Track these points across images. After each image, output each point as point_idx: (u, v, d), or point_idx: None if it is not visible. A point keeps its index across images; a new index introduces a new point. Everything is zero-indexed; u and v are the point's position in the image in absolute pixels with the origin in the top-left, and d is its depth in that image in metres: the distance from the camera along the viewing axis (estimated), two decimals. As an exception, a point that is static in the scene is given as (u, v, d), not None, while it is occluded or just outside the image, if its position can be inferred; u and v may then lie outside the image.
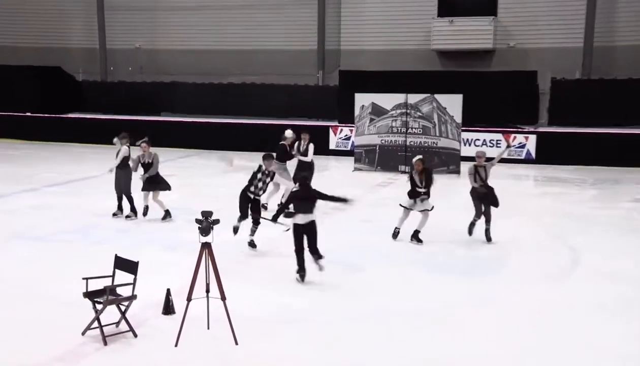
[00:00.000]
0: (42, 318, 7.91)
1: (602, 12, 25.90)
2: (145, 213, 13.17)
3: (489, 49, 27.44)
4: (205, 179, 18.73)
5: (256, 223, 10.87)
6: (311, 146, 14.38)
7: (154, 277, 8.90)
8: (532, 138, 22.57)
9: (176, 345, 7.06)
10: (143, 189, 13.08)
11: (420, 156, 11.94)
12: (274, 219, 9.76)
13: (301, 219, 9.19)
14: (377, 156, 20.74)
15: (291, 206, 9.32)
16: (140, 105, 28.16)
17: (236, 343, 7.11)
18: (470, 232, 11.88)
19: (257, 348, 7.15)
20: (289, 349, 7.21)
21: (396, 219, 11.78)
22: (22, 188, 16.70)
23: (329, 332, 7.68)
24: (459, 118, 19.82)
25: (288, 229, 9.68)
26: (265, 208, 13.07)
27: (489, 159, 12.15)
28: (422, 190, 11.47)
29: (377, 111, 20.57)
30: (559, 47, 26.44)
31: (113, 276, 7.51)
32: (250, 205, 10.88)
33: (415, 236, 11.64)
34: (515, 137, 22.54)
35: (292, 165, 14.47)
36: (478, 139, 22.67)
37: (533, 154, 22.44)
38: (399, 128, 20.39)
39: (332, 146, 24.48)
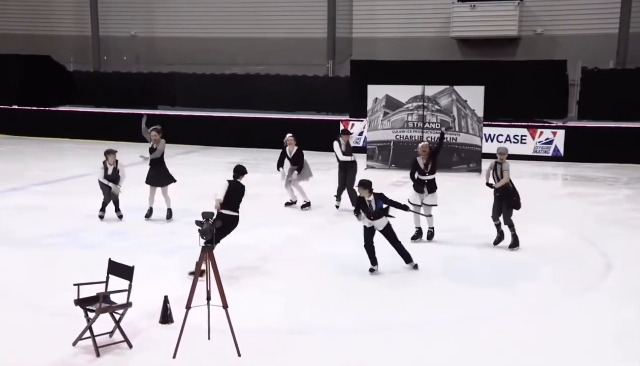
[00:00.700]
0: (30, 327, 7.97)
1: (640, -5, 25.80)
2: (149, 216, 13.31)
3: (514, 37, 27.38)
4: (206, 177, 18.77)
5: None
6: (336, 144, 14.71)
7: (151, 283, 8.96)
8: (561, 133, 22.48)
9: (174, 357, 7.09)
10: (153, 184, 13.21)
11: (426, 142, 12.14)
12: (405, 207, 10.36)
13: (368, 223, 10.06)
14: (391, 153, 20.73)
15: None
16: (136, 97, 28.29)
17: (239, 355, 7.14)
18: (495, 241, 11.81)
19: (261, 360, 7.19)
20: (294, 362, 7.24)
21: (411, 220, 11.83)
22: (8, 186, 16.81)
23: (337, 344, 7.70)
24: (480, 112, 19.78)
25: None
26: (293, 203, 14.74)
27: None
28: (426, 178, 11.67)
29: (392, 104, 20.56)
30: (591, 34, 26.35)
31: (107, 282, 7.56)
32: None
33: (429, 236, 11.96)
34: (542, 133, 22.48)
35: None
36: (501, 135, 22.62)
37: (561, 151, 22.35)
38: (415, 123, 20.37)
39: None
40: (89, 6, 32.17)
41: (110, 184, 13.12)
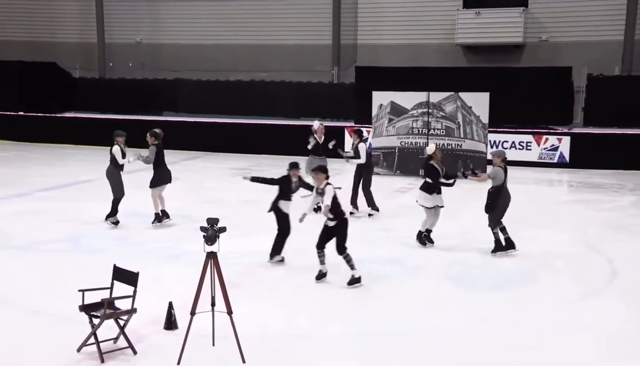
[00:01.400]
0: (34, 333, 7.98)
1: (645, 2, 25.76)
2: (161, 219, 13.31)
3: (519, 43, 27.36)
4: (211, 183, 18.81)
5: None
6: (361, 146, 14.58)
7: (156, 289, 8.96)
8: (566, 140, 22.45)
9: (179, 363, 7.08)
10: (157, 185, 13.20)
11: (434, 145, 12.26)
12: None
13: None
14: (396, 160, 20.73)
15: None
16: (141, 104, 28.39)
17: (243, 362, 7.13)
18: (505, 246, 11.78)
19: (266, 366, 7.19)
20: (300, 368, 7.24)
21: (419, 223, 11.84)
22: (12, 192, 16.87)
23: (343, 351, 7.69)
24: (485, 118, 19.78)
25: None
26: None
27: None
28: (451, 181, 11.75)
29: (397, 111, 20.57)
30: (596, 41, 26.30)
31: (111, 288, 7.58)
32: None
33: (428, 238, 11.87)
34: (547, 139, 22.45)
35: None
36: (506, 141, 22.61)
37: (567, 158, 22.32)
38: (420, 129, 20.37)
39: (347, 148, 24.43)
40: (95, 13, 32.28)
41: (131, 157, 12.99)
